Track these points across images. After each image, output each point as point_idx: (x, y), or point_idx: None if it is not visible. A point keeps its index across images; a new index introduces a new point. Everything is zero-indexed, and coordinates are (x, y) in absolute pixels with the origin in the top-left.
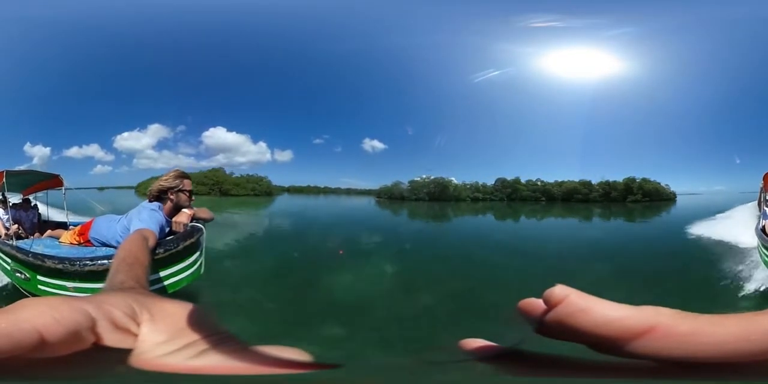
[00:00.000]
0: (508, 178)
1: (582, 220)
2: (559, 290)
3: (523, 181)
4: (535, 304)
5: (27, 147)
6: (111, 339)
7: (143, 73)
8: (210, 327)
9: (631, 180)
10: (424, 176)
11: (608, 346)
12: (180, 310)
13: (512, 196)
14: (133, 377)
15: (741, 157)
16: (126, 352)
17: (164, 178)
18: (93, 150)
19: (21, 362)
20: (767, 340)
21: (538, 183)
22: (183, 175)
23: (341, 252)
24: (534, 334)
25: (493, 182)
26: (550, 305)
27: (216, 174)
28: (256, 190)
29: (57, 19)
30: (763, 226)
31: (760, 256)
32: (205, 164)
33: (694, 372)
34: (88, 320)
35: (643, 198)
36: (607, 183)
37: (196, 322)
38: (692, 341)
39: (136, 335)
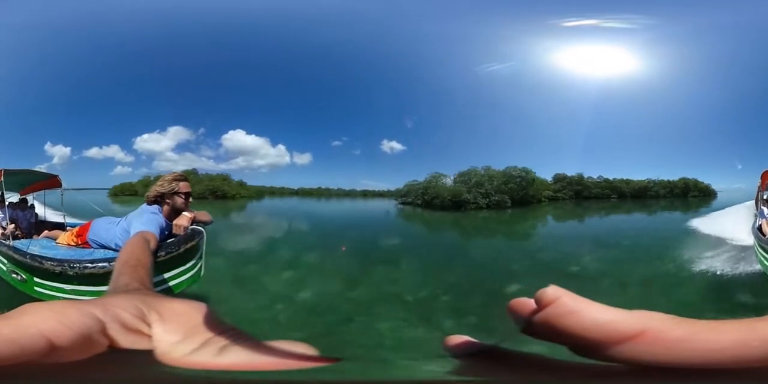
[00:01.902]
0: (569, 174)
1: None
2: (552, 291)
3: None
4: (526, 303)
5: (47, 146)
6: (125, 341)
7: (163, 75)
8: (220, 324)
9: (686, 179)
10: (480, 167)
11: (591, 349)
12: (187, 308)
13: (581, 194)
14: (173, 376)
15: (758, 156)
16: (146, 353)
17: (160, 182)
18: (113, 151)
19: (44, 367)
20: None
21: (600, 180)
22: (179, 178)
23: (344, 248)
24: (520, 333)
25: (551, 179)
26: (541, 305)
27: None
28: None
29: (80, 22)
30: (760, 226)
31: (756, 255)
32: (225, 167)
33: (683, 378)
34: (97, 323)
35: (699, 194)
36: (669, 182)
37: (205, 320)
38: (687, 347)
39: (149, 336)
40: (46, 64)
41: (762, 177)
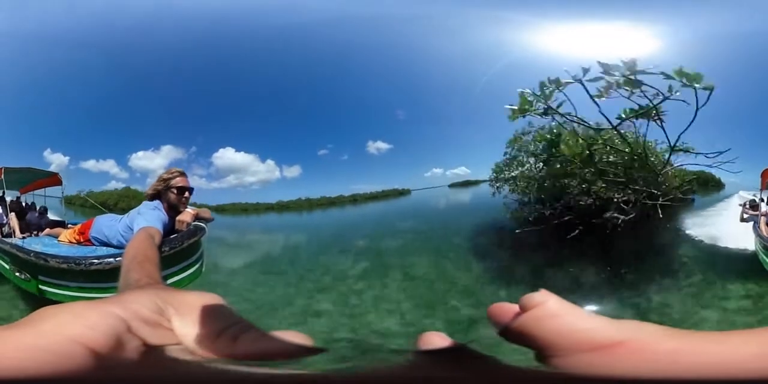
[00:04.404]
0: None
1: None
2: (540, 295)
3: None
4: (507, 308)
5: (47, 153)
6: (153, 337)
7: (158, 92)
8: (231, 315)
9: (704, 172)
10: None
11: (559, 355)
12: (200, 300)
13: None
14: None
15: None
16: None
17: (157, 179)
18: (109, 165)
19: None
20: None
21: None
22: (174, 174)
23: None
24: (496, 336)
25: None
26: (526, 309)
27: (125, 192)
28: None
29: (95, 40)
30: (760, 225)
31: (759, 255)
32: (216, 186)
33: None
34: (122, 322)
35: (715, 184)
36: (695, 173)
37: (219, 311)
38: (682, 360)
39: (170, 330)
40: (54, 72)
41: (762, 176)
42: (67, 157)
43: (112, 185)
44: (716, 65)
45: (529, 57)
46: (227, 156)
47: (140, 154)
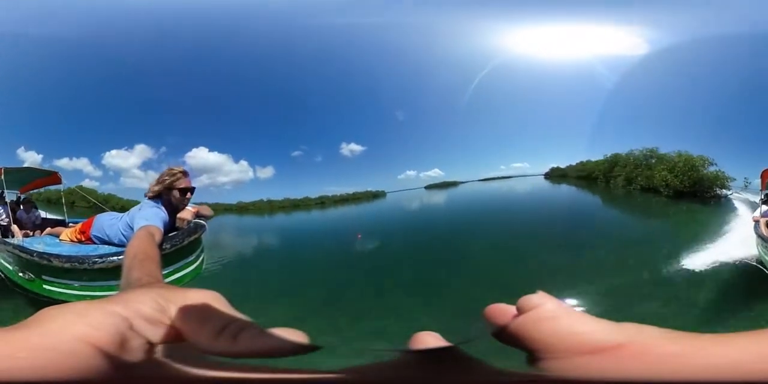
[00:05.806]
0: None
1: None
2: (538, 298)
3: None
4: (504, 309)
5: (20, 151)
6: (156, 335)
7: (134, 91)
8: (231, 313)
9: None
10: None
11: (555, 358)
12: (201, 298)
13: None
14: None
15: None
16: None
17: (159, 177)
18: (82, 164)
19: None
20: None
21: None
22: (177, 174)
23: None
24: (489, 337)
25: None
26: (523, 311)
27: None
28: None
29: (90, 48)
30: (759, 224)
31: (760, 257)
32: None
33: None
34: (124, 321)
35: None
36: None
37: (219, 309)
38: (686, 362)
39: (173, 328)
40: (27, 69)
41: (762, 176)
42: (41, 155)
43: (86, 183)
44: (715, 64)
45: (511, 61)
46: (200, 155)
47: (113, 152)
